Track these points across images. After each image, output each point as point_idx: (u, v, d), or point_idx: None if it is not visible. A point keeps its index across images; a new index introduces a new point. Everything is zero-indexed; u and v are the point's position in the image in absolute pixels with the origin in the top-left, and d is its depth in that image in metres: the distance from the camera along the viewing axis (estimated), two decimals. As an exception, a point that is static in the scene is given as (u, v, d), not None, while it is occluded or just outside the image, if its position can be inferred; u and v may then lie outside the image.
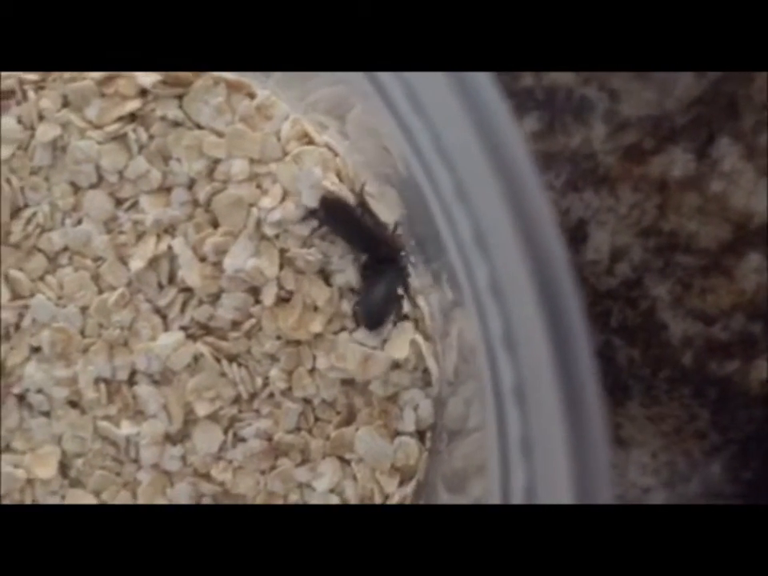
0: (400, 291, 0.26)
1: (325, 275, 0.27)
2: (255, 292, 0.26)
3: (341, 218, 0.26)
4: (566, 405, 0.13)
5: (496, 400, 0.14)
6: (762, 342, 0.29)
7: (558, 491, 0.13)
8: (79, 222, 0.27)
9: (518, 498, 0.14)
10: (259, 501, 0.27)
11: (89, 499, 0.27)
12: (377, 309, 0.26)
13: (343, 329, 0.27)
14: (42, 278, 0.27)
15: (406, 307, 0.26)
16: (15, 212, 0.27)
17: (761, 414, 0.29)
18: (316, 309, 0.26)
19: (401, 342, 0.26)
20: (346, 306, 0.26)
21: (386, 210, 0.25)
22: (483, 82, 0.13)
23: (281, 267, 0.26)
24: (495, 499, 0.14)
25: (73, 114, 0.26)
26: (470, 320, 0.15)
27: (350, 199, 0.26)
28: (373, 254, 0.26)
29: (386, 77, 0.15)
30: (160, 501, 0.27)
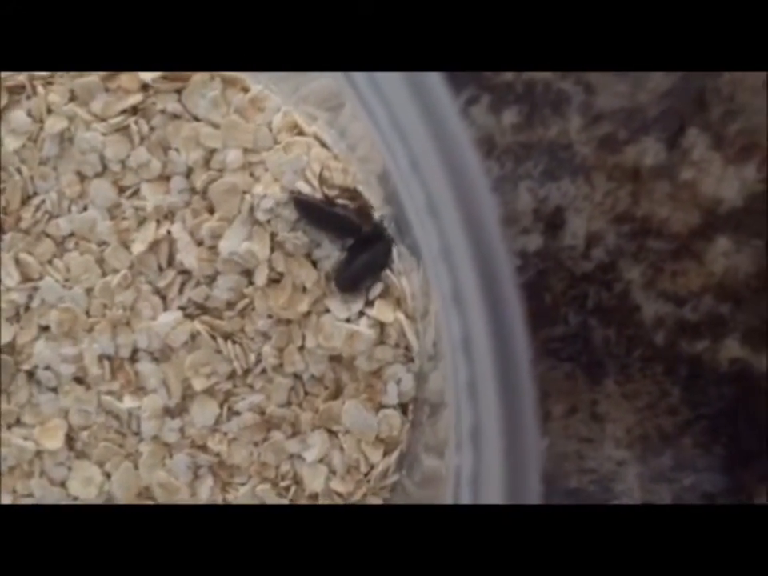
0: (380, 264, 0.27)
1: (313, 259, 0.28)
2: (248, 274, 0.28)
3: (313, 215, 0.27)
4: (499, 354, 0.14)
5: (450, 350, 0.16)
6: (731, 322, 0.30)
7: (492, 429, 0.15)
8: (85, 208, 0.28)
9: (466, 436, 0.15)
10: (253, 471, 0.28)
11: (94, 470, 0.29)
12: (352, 274, 0.27)
13: (328, 310, 0.28)
14: (50, 262, 0.28)
15: (388, 284, 0.27)
16: (25, 200, 0.28)
17: (729, 390, 0.30)
18: (305, 290, 0.28)
19: (385, 309, 0.27)
20: (333, 288, 0.28)
21: (371, 194, 0.27)
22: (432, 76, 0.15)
23: (272, 250, 0.28)
24: (452, 439, 0.16)
25: (79, 107, 0.28)
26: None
27: (319, 196, 0.27)
28: (356, 237, 0.27)
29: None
30: (160, 471, 0.28)
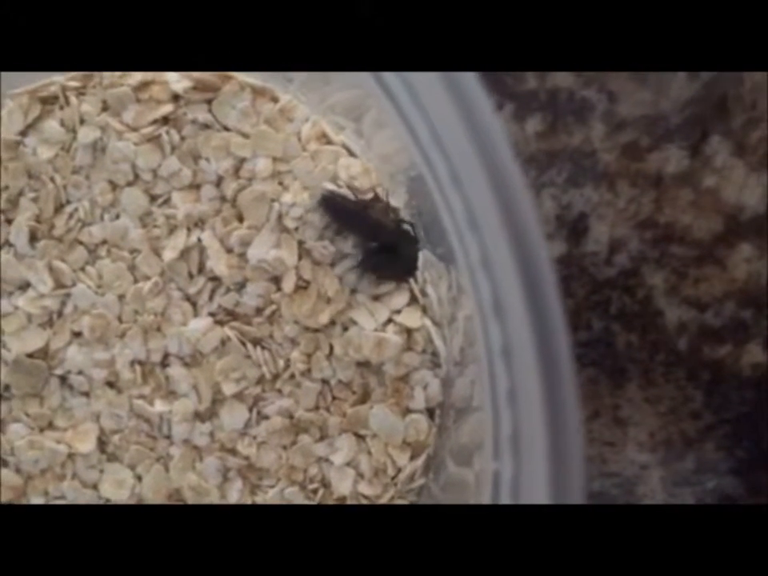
0: (406, 267, 0.27)
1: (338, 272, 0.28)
2: (276, 281, 0.28)
3: (341, 217, 0.28)
4: (543, 362, 0.15)
5: (488, 358, 0.16)
6: (753, 328, 0.30)
7: (537, 436, 0.15)
8: (117, 216, 0.29)
9: (505, 443, 0.16)
10: (281, 474, 0.29)
11: (125, 472, 0.29)
12: (375, 262, 0.28)
13: (355, 321, 0.28)
14: (82, 269, 0.29)
15: (415, 290, 0.28)
16: (58, 208, 0.29)
17: (752, 395, 0.30)
18: (329, 300, 0.28)
19: (412, 315, 0.28)
20: (359, 298, 0.28)
21: (398, 202, 0.27)
22: (473, 83, 0.15)
23: (299, 258, 0.28)
24: (489, 445, 0.16)
25: (111, 117, 0.28)
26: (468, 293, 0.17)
27: (350, 196, 0.28)
28: (381, 242, 0.28)
29: (391, 79, 0.17)
30: (190, 474, 0.29)
